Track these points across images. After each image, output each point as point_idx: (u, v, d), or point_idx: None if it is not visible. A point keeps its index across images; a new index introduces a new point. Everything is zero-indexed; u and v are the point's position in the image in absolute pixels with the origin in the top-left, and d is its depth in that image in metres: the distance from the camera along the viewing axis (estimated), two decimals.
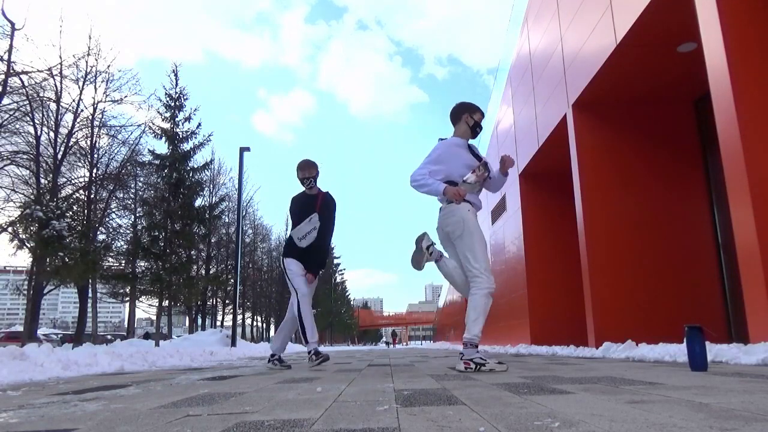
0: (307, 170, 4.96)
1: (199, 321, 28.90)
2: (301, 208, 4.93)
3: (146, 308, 23.69)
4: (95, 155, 17.67)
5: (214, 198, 26.33)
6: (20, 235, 15.41)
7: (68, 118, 17.36)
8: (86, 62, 17.47)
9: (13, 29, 14.89)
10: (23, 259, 23.17)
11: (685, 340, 3.11)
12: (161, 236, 17.20)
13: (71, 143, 17.16)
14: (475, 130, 3.66)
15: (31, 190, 16.95)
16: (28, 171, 17.00)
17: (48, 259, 15.35)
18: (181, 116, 18.94)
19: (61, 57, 16.79)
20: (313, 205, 4.89)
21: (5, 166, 16.56)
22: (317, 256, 4.92)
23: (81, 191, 17.48)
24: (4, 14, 14.80)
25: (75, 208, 16.57)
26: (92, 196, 17.42)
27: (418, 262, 3.72)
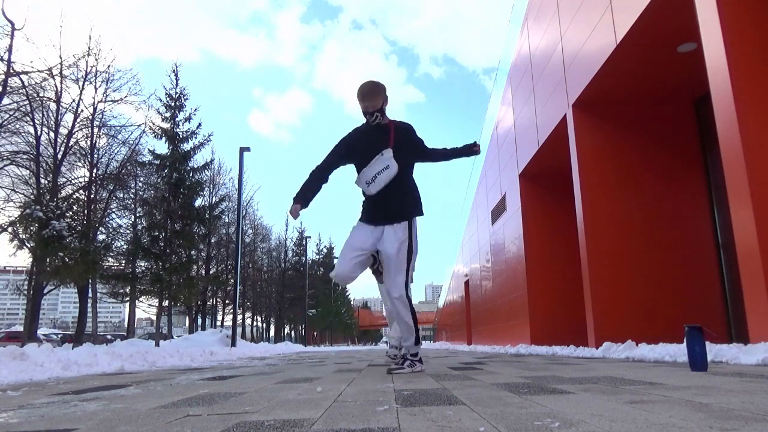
0: (370, 99, 3.52)
1: (199, 321, 28.91)
2: (369, 142, 3.59)
3: (146, 308, 23.70)
4: (95, 155, 17.66)
5: (214, 198, 26.39)
6: (20, 235, 15.42)
7: (68, 118, 17.37)
8: (86, 62, 17.48)
9: (13, 29, 14.91)
10: (23, 259, 23.19)
11: (685, 340, 3.11)
12: (161, 236, 17.21)
13: (71, 143, 17.15)
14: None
15: (31, 190, 16.95)
16: (28, 171, 17.00)
17: (48, 259, 15.34)
18: (181, 116, 18.96)
19: (61, 57, 16.79)
20: (386, 138, 3.58)
21: (5, 166, 16.56)
22: (405, 199, 3.57)
23: (81, 191, 17.46)
24: (4, 14, 14.82)
25: (75, 208, 16.57)
26: (92, 196, 17.40)
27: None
